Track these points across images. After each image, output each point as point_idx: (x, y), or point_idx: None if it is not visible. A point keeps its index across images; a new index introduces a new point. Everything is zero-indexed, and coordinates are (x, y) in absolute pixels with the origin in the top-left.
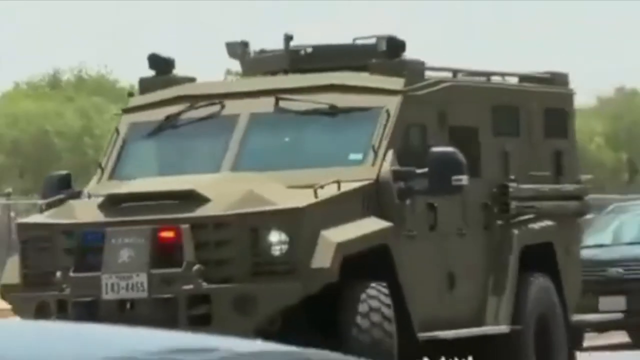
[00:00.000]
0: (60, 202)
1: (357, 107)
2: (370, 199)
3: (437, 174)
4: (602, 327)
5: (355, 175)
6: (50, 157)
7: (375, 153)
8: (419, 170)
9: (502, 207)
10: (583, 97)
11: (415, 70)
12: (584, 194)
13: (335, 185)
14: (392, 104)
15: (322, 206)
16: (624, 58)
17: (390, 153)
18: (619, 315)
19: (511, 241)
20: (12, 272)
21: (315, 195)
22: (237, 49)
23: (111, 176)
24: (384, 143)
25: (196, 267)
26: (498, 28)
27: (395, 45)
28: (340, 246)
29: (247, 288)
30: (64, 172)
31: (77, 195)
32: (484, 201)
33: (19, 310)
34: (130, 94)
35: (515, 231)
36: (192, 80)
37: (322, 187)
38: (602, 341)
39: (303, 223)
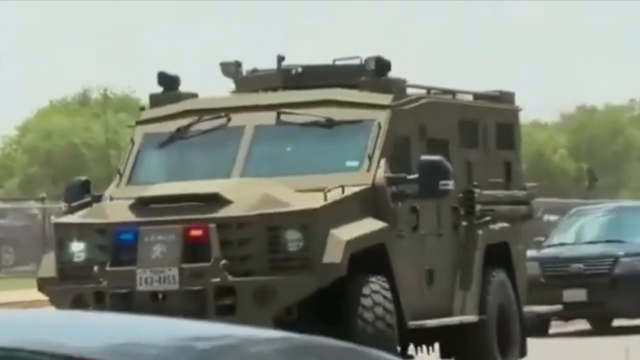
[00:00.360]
0: (85, 204)
1: (352, 120)
2: (367, 201)
3: (426, 180)
4: (567, 315)
5: (353, 180)
6: (79, 167)
7: (370, 161)
8: (409, 176)
9: (468, 210)
10: (549, 114)
11: (400, 88)
12: (530, 199)
13: (340, 189)
14: (383, 117)
15: (332, 207)
16: (585, 78)
17: (383, 161)
18: (559, 307)
19: (476, 241)
20: (48, 267)
21: (325, 198)
22: (231, 69)
23: (129, 181)
24: (377, 152)
25: (222, 262)
26: (467, 47)
27: (382, 65)
28: (349, 244)
29: (267, 281)
30: (84, 178)
31: (98, 198)
32: (454, 205)
33: (56, 301)
34: (142, 108)
35: (480, 232)
36: (195, 95)
37: (329, 190)
38: (566, 329)
39: (317, 222)
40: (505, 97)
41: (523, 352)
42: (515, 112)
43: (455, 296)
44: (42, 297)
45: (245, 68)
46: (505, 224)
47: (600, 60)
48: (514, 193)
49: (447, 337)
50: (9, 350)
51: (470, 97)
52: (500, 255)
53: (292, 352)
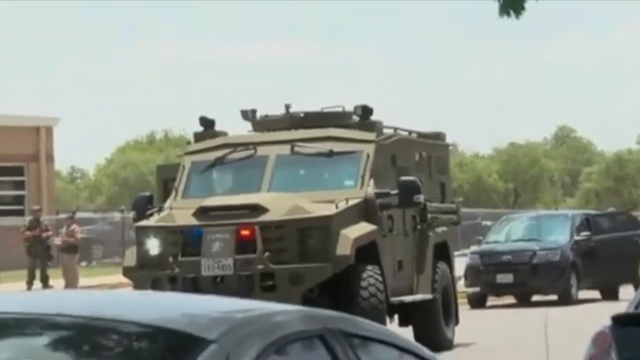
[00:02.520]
0: (154, 213)
1: (347, 151)
2: (362, 210)
3: (404, 194)
4: (499, 293)
5: (351, 195)
6: (147, 188)
7: (362, 180)
8: (392, 192)
9: (422, 218)
10: (485, 148)
11: (379, 127)
12: (458, 210)
13: (344, 201)
14: (370, 149)
15: (341, 214)
16: (511, 120)
17: (371, 181)
18: (477, 288)
19: (428, 240)
20: (130, 258)
21: (336, 207)
22: (249, 114)
23: (183, 196)
24: (367, 174)
25: (265, 254)
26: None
27: (367, 111)
28: (355, 240)
29: (297, 268)
30: (148, 193)
31: (160, 209)
32: (413, 214)
33: (138, 285)
34: (188, 142)
35: (430, 234)
36: (225, 133)
37: (338, 202)
38: (499, 302)
39: (332, 225)
40: (441, 136)
41: (457, 321)
42: (447, 147)
43: (415, 280)
44: (124, 281)
45: (259, 114)
46: (445, 228)
47: (524, 106)
48: (448, 205)
49: (405, 311)
50: (102, 320)
51: (415, 135)
52: (442, 251)
53: (301, 319)
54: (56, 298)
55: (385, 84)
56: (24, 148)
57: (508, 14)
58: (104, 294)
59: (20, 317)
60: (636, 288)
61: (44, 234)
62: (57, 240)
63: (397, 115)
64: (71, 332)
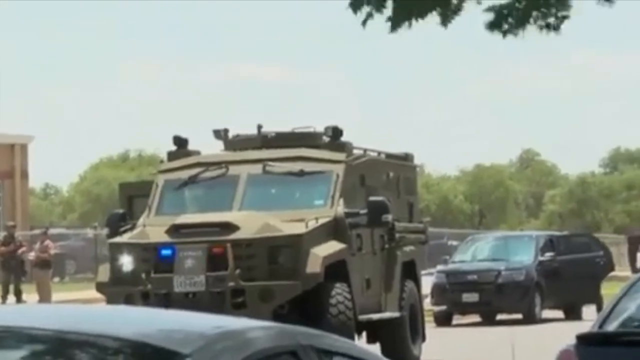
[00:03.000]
0: (127, 230)
1: (318, 171)
2: (331, 229)
3: (373, 214)
4: (464, 312)
5: (321, 214)
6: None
7: (332, 200)
8: (361, 211)
9: (390, 237)
10: (451, 169)
11: (350, 148)
12: (426, 230)
13: (314, 220)
14: (340, 169)
15: (311, 233)
16: (478, 143)
17: (341, 200)
18: (443, 306)
19: (396, 259)
20: (104, 274)
21: (306, 226)
22: (221, 134)
23: (156, 214)
24: (337, 194)
25: (236, 271)
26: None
27: (337, 132)
28: (325, 259)
29: (268, 285)
30: (121, 210)
31: (133, 226)
32: (381, 233)
33: (111, 300)
34: (161, 161)
35: (399, 253)
36: (198, 152)
37: (308, 221)
38: (464, 321)
39: (302, 243)
40: (409, 157)
41: (424, 338)
42: (414, 168)
43: (383, 298)
44: (97, 296)
45: (231, 133)
46: (412, 247)
47: (490, 129)
48: (416, 225)
49: (372, 328)
50: (78, 334)
51: (383, 156)
52: (410, 270)
53: (274, 335)
54: (31, 312)
55: (353, 106)
56: None
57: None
58: (79, 308)
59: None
60: (598, 308)
61: (19, 250)
62: (31, 256)
63: (366, 136)
64: (47, 345)
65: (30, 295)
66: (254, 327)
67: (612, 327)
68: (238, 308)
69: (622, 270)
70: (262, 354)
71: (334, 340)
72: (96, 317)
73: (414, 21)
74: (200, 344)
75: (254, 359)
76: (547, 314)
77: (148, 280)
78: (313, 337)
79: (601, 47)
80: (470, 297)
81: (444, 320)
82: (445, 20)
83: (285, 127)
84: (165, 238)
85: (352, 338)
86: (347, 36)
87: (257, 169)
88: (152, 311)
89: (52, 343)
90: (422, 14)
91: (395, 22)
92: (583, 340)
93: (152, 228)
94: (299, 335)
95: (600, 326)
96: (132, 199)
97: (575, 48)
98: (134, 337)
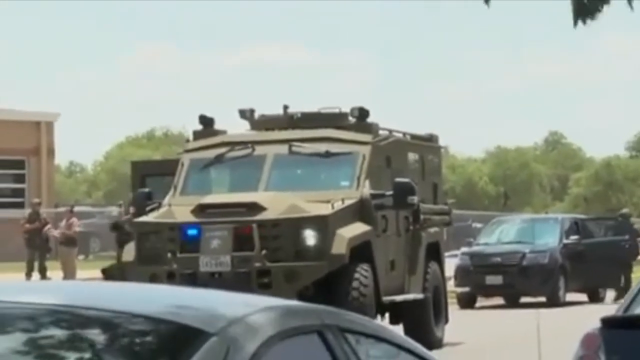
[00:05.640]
0: (151, 210)
1: (344, 152)
2: (357, 210)
3: (399, 196)
4: (488, 294)
5: (347, 195)
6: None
7: (358, 181)
8: (387, 193)
9: (415, 218)
10: (477, 151)
11: (375, 129)
12: (450, 212)
13: (340, 201)
14: (366, 150)
15: (336, 214)
16: (506, 123)
17: (367, 181)
18: (467, 288)
19: (420, 240)
20: (129, 254)
21: (332, 207)
22: (247, 113)
23: (181, 193)
24: (363, 175)
25: (262, 251)
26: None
27: (363, 113)
28: (351, 240)
29: (293, 266)
30: (147, 189)
31: (159, 205)
32: (406, 215)
33: (135, 279)
34: (187, 140)
35: (423, 234)
36: (224, 132)
37: (334, 202)
38: (487, 303)
39: (327, 224)
40: (434, 138)
41: (447, 320)
42: (439, 149)
43: (407, 280)
44: None
45: (257, 113)
46: (437, 229)
47: (516, 111)
48: (440, 207)
49: (396, 309)
50: (102, 311)
51: (409, 137)
52: (434, 252)
53: (300, 314)
54: (56, 289)
55: (377, 88)
56: (25, 142)
57: (584, 21)
58: (105, 285)
59: (22, 307)
60: (625, 291)
61: (44, 228)
62: (56, 233)
63: (391, 117)
64: (71, 323)
65: (55, 272)
66: (280, 306)
67: (637, 310)
68: (263, 288)
69: None
70: (287, 333)
71: (360, 320)
72: (120, 295)
73: None
74: (226, 322)
75: (280, 338)
76: (570, 297)
77: (174, 260)
78: (338, 317)
79: (630, 31)
80: (494, 280)
81: (467, 302)
82: None
83: (310, 109)
84: (191, 218)
85: (371, 317)
86: (372, 18)
87: (283, 149)
88: (177, 289)
89: (76, 321)
90: None
91: None
92: (608, 323)
93: (177, 208)
94: (324, 314)
95: (626, 310)
96: (145, 177)
97: (603, 31)
98: (157, 314)
